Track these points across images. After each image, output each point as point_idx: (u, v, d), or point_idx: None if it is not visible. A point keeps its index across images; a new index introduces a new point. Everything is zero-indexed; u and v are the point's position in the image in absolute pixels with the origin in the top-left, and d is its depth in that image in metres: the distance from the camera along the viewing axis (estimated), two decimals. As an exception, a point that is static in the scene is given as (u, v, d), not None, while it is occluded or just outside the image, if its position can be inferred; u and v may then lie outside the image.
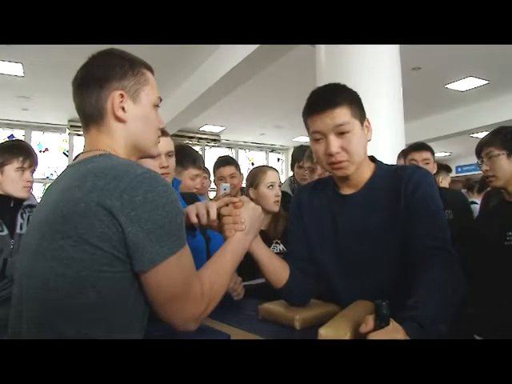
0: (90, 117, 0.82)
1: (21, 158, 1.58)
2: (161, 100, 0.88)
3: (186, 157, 1.83)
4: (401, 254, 0.98)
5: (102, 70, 0.80)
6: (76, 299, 0.68)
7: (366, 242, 1.03)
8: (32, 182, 1.62)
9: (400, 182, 1.00)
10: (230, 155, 9.16)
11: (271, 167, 1.98)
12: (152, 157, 0.90)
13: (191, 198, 1.59)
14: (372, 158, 1.11)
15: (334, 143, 0.98)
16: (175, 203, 0.73)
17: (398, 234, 0.99)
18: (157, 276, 0.70)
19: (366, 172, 1.06)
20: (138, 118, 0.83)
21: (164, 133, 1.30)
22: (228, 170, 2.43)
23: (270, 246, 1.75)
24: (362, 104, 1.05)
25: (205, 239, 1.52)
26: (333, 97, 1.00)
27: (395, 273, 0.99)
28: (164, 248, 0.69)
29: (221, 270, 0.83)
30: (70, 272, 0.68)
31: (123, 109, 0.81)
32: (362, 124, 1.02)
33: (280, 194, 1.89)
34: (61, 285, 0.68)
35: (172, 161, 1.43)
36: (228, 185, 2.34)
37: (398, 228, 0.99)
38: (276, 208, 1.85)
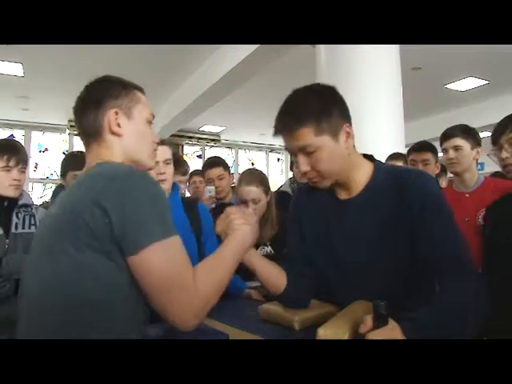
0: (89, 134, 0.90)
1: (5, 157, 1.55)
2: (153, 117, 0.97)
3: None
4: (400, 260, 0.95)
5: (99, 93, 0.90)
6: (74, 297, 0.72)
7: (363, 248, 0.99)
8: (21, 181, 1.60)
9: (403, 189, 0.95)
10: (230, 155, 9.22)
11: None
12: (149, 169, 0.96)
13: (192, 202, 1.64)
14: (370, 157, 1.06)
15: (303, 162, 0.96)
16: (161, 197, 0.78)
17: (398, 241, 0.95)
18: (144, 261, 0.73)
19: (363, 175, 1.01)
20: (132, 133, 0.91)
21: (162, 142, 1.41)
22: (215, 172, 2.38)
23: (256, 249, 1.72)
24: (338, 110, 0.96)
25: (197, 244, 1.52)
26: (293, 117, 0.93)
27: (394, 279, 0.96)
28: (151, 234, 0.73)
29: (219, 265, 0.83)
30: (67, 271, 0.73)
31: (119, 125, 0.89)
32: (335, 135, 0.95)
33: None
34: (61, 283, 0.73)
35: (170, 168, 1.48)
36: (213, 187, 2.32)
37: (399, 234, 0.95)
38: None
